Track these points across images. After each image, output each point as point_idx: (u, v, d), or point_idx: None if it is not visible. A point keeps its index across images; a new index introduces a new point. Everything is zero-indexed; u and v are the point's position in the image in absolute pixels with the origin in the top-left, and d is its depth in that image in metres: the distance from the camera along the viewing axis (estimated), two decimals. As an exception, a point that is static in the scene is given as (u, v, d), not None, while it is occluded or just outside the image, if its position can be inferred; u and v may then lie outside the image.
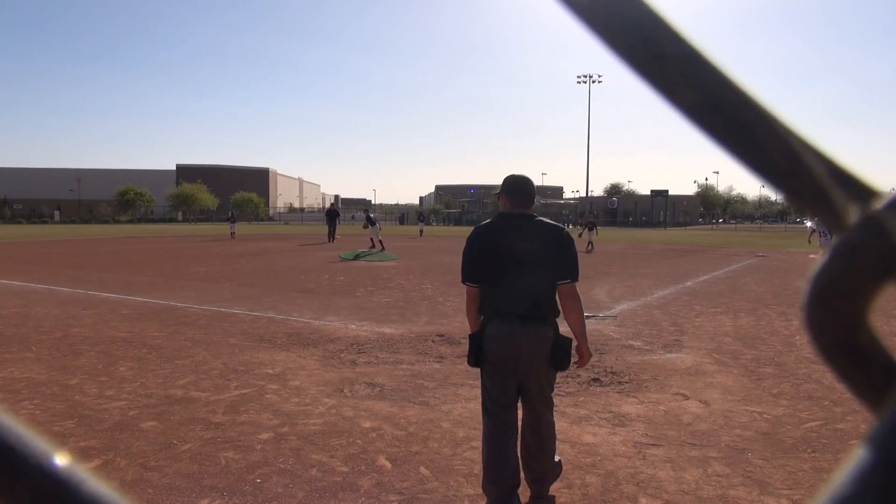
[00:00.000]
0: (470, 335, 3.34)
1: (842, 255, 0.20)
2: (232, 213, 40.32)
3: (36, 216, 75.31)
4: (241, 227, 48.84)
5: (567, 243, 3.25)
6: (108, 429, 4.56)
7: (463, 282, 3.38)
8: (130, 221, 74.15)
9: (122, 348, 7.08)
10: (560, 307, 3.25)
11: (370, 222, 24.63)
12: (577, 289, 3.25)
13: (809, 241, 25.37)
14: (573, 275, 3.23)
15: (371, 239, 23.60)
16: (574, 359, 3.31)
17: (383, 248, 22.71)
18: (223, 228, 41.28)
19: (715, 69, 0.22)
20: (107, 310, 9.73)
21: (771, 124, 0.21)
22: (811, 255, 23.92)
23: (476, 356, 3.27)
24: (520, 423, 3.38)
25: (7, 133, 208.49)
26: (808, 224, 29.12)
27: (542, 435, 3.34)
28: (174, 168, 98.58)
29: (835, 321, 0.21)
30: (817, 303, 0.21)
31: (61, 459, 0.21)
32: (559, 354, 3.20)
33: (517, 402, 3.33)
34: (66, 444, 4.27)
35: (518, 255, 3.17)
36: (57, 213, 77.01)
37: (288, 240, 32.12)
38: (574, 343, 3.29)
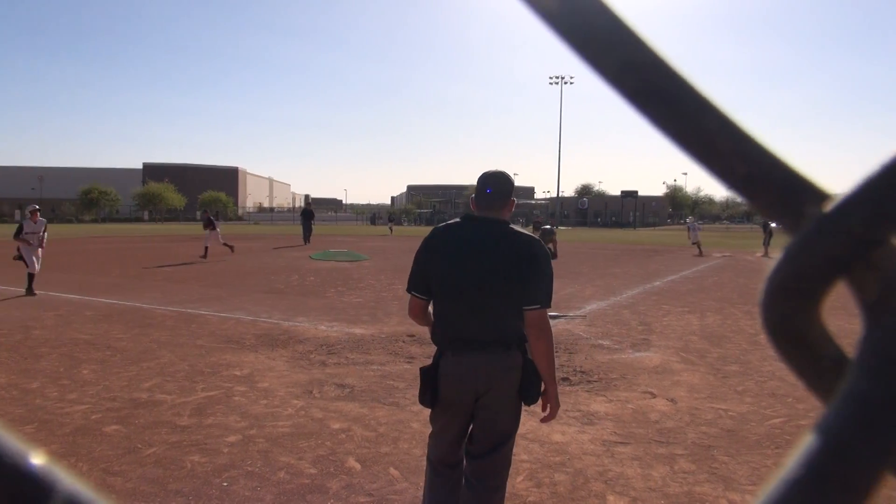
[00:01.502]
0: (421, 369, 2.74)
1: (795, 254, 0.21)
2: (206, 212, 41.20)
3: None
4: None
5: (540, 261, 2.62)
6: (70, 433, 4.46)
7: (408, 290, 2.80)
8: (95, 221, 72.66)
9: (84, 351, 6.93)
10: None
11: (210, 225, 20.36)
12: (548, 317, 2.65)
13: (688, 237, 26.24)
14: (544, 300, 2.60)
15: (205, 246, 19.77)
16: (540, 405, 2.72)
17: (206, 256, 19.25)
18: (195, 228, 40.78)
19: (678, 77, 0.22)
20: (69, 311, 9.52)
21: (732, 131, 0.22)
22: (756, 255, 24.47)
23: (430, 395, 2.68)
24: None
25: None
26: (687, 220, 30.22)
27: None
28: (141, 167, 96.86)
29: (788, 317, 0.21)
30: (772, 300, 0.22)
31: (37, 459, 0.20)
32: (530, 383, 2.63)
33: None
34: (26, 448, 4.16)
35: (478, 270, 2.59)
36: (18, 212, 75.07)
37: (258, 240, 31.81)
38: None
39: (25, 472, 0.20)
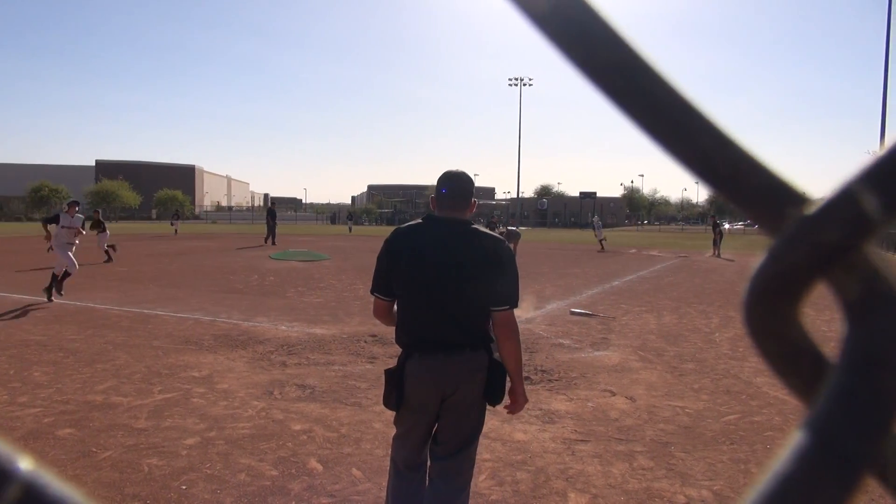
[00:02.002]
0: (386, 371, 2.73)
1: (777, 255, 0.22)
2: (176, 211, 44.39)
3: None
4: (164, 227, 47.20)
5: (506, 261, 2.63)
6: (21, 437, 4.32)
7: (372, 292, 2.76)
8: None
9: (36, 352, 6.72)
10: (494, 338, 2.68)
11: (99, 226, 18.14)
12: (516, 317, 2.66)
13: (595, 235, 28.49)
14: (511, 300, 2.61)
15: (105, 250, 17.76)
16: (506, 401, 2.74)
17: (108, 258, 17.42)
18: (151, 227, 40.24)
19: (662, 79, 0.23)
20: (18, 312, 9.21)
21: (714, 133, 0.23)
22: (706, 255, 25.10)
23: (396, 397, 2.65)
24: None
25: None
26: (593, 220, 32.59)
27: None
28: (93, 164, 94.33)
29: (770, 317, 0.22)
30: (754, 300, 0.23)
31: (25, 463, 0.20)
32: (495, 383, 2.64)
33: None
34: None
35: (443, 270, 2.57)
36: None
37: (216, 239, 31.27)
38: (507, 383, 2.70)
39: (13, 478, 0.20)
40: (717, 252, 25.03)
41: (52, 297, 10.02)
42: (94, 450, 4.13)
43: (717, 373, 6.41)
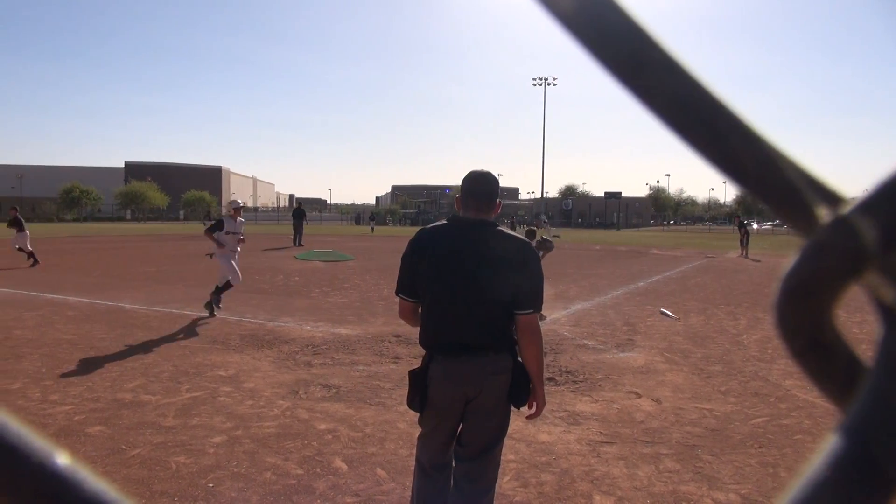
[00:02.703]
0: (410, 373, 2.72)
1: (811, 256, 0.21)
2: (208, 212, 43.90)
3: None
4: (193, 227, 47.92)
5: (531, 264, 2.60)
6: (53, 434, 4.41)
7: (397, 293, 2.77)
8: (76, 220, 71.86)
9: (67, 351, 6.86)
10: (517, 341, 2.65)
11: (17, 224, 17.04)
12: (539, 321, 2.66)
13: (546, 232, 28.31)
14: (535, 304, 2.60)
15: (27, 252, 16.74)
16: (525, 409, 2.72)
17: (34, 261, 16.40)
18: (181, 227, 40.68)
19: (690, 76, 0.22)
20: (51, 311, 9.40)
21: (744, 131, 0.22)
22: (733, 255, 24.72)
23: (420, 399, 2.66)
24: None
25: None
26: (541, 217, 32.71)
27: None
28: (122, 165, 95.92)
29: (803, 319, 0.22)
30: (787, 302, 0.22)
31: (62, 459, 0.20)
32: (519, 385, 2.62)
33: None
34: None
35: (467, 272, 2.55)
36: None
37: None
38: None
39: (51, 473, 0.20)
40: (744, 252, 24.67)
41: (215, 311, 9.13)
42: (124, 447, 4.20)
43: (745, 375, 6.32)
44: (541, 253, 9.55)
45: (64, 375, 5.90)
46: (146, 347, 7.07)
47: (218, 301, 9.23)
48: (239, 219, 9.62)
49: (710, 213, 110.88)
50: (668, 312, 9.96)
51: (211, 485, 3.67)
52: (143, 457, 4.04)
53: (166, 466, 3.90)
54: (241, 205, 9.85)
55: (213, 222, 9.60)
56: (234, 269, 9.41)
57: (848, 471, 0.18)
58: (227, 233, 9.33)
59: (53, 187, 78.82)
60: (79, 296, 10.99)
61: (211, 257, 9.58)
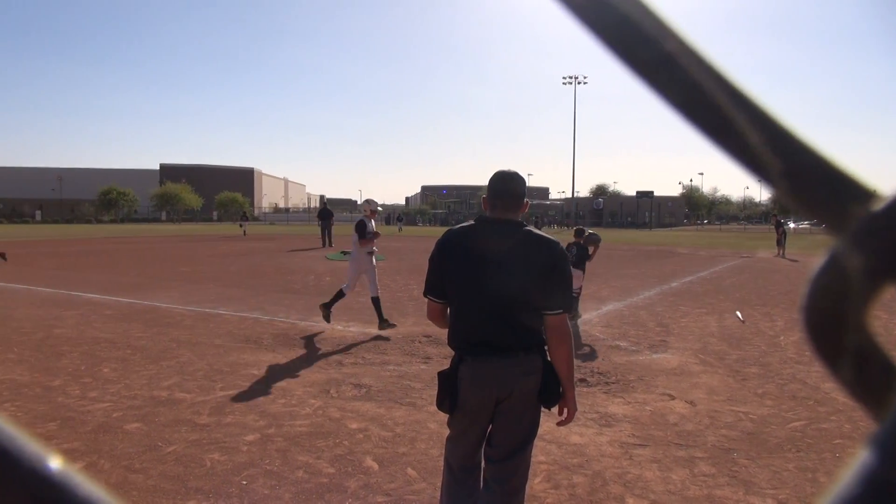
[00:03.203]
0: (440, 374, 2.70)
1: (841, 256, 0.20)
2: (244, 213, 45.74)
3: (17, 216, 74.54)
4: (226, 228, 48.70)
5: (560, 264, 2.58)
6: (92, 430, 4.51)
7: (425, 294, 2.77)
8: (113, 221, 73.54)
9: (105, 349, 7.01)
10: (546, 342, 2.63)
11: None
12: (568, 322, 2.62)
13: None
14: (565, 304, 2.58)
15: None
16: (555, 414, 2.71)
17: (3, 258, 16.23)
18: (216, 228, 41.51)
19: (710, 68, 0.22)
20: (89, 310, 9.63)
21: (767, 124, 0.21)
22: (770, 255, 24.17)
23: (449, 401, 2.64)
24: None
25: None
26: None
27: None
28: (157, 167, 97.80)
29: (833, 323, 0.21)
30: (816, 304, 0.21)
31: (55, 463, 0.20)
32: (550, 386, 2.60)
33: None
34: (48, 446, 4.21)
35: (495, 272, 2.53)
36: (38, 212, 76.28)
37: (274, 240, 31.97)
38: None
39: (44, 477, 0.20)
40: (781, 252, 24.16)
41: (330, 318, 8.56)
42: (160, 444, 4.27)
43: (782, 377, 6.19)
44: (590, 249, 9.49)
45: (102, 373, 6.03)
46: (181, 346, 7.20)
47: (334, 304, 8.60)
48: (372, 220, 8.97)
49: (745, 213, 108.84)
50: (739, 315, 9.73)
51: (244, 482, 3.71)
52: (179, 454, 4.11)
53: (201, 463, 3.96)
54: (379, 207, 9.14)
55: (360, 224, 8.74)
56: (356, 277, 8.82)
57: (878, 489, 0.16)
58: (369, 233, 8.72)
59: (92, 189, 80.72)
60: (116, 295, 11.24)
61: (345, 254, 8.76)
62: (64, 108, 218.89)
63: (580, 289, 9.29)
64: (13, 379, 5.80)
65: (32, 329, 8.14)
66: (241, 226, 40.99)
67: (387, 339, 7.76)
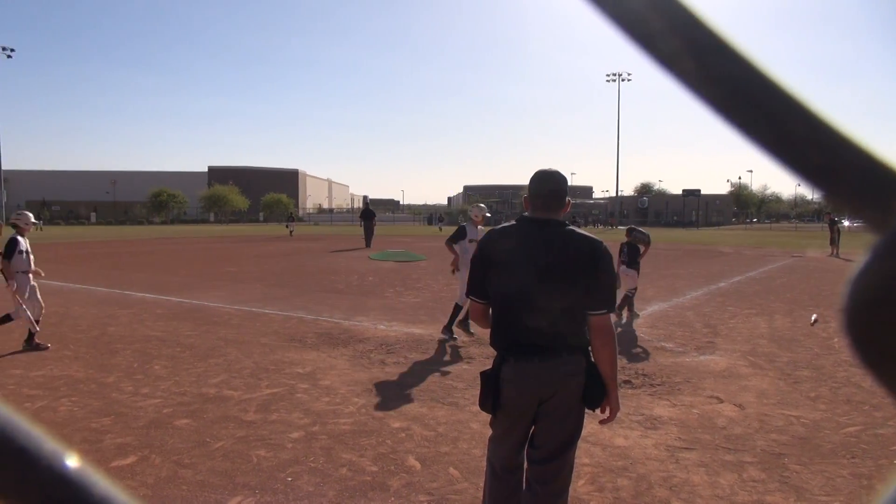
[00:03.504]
0: (482, 374, 2.68)
1: (884, 255, 0.19)
2: (291, 214, 46.20)
3: (73, 217, 77.24)
4: (271, 228, 49.65)
5: (604, 263, 2.55)
6: (144, 426, 4.65)
7: (467, 295, 2.77)
8: (164, 222, 75.56)
9: (156, 347, 7.22)
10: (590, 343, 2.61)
11: None
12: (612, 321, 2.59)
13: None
14: (609, 304, 2.56)
15: None
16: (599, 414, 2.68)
17: None
18: (263, 228, 42.22)
19: (741, 59, 0.21)
20: (142, 309, 9.92)
21: (804, 117, 0.21)
22: (824, 254, 23.36)
23: (492, 401, 2.63)
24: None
25: (45, 137, 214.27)
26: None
27: None
28: (206, 170, 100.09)
29: (876, 325, 0.20)
30: (857, 306, 0.20)
31: (72, 461, 0.20)
32: (594, 387, 2.57)
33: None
34: (102, 440, 4.36)
35: (538, 273, 2.51)
36: (93, 214, 78.88)
37: (318, 240, 32.40)
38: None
39: (60, 475, 0.21)
40: (835, 251, 23.39)
41: (455, 334, 7.84)
42: (208, 440, 4.38)
43: (836, 381, 5.99)
44: (641, 248, 9.40)
45: (154, 370, 6.21)
46: (228, 344, 7.36)
47: (456, 324, 7.89)
48: (480, 227, 8.13)
49: (797, 211, 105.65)
50: (815, 318, 9.41)
51: (289, 478, 3.77)
52: (226, 449, 4.20)
53: (248, 459, 4.05)
54: (486, 212, 8.39)
55: (457, 232, 8.04)
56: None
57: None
58: (471, 241, 7.75)
59: (143, 191, 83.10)
60: (167, 294, 11.55)
61: (454, 272, 8.06)
62: (117, 113, 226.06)
63: (635, 289, 9.27)
64: (70, 375, 6.02)
65: (88, 327, 8.44)
66: (287, 226, 41.34)
67: (430, 339, 7.78)
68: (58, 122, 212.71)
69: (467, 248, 7.67)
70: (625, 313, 9.03)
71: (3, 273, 7.14)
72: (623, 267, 9.12)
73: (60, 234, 40.86)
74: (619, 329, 8.26)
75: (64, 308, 10.01)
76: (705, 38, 0.20)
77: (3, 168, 68.87)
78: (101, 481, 0.20)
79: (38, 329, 7.15)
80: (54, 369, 6.25)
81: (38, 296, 7.32)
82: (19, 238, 7.19)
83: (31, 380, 5.88)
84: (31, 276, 7.24)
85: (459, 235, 7.91)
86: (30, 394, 5.44)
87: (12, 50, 65.81)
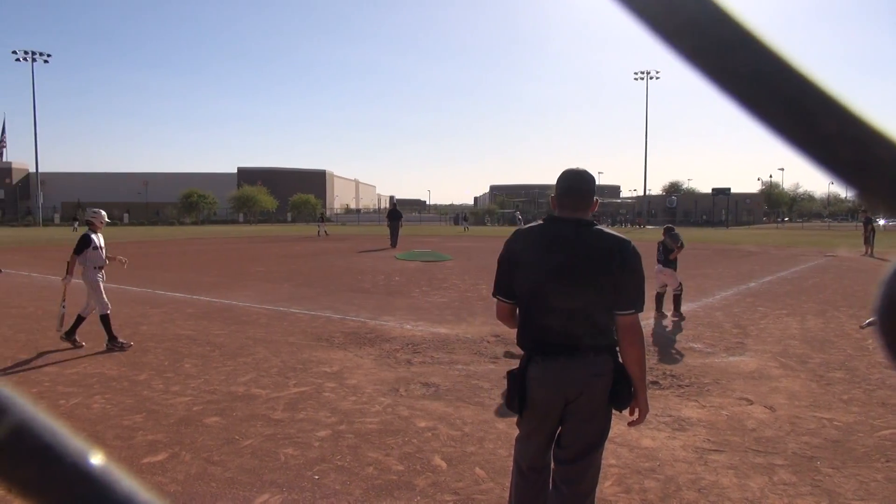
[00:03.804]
0: (509, 374, 2.68)
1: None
2: (322, 215, 45.97)
3: (107, 218, 78.67)
4: (299, 228, 50.13)
5: (632, 263, 2.53)
6: (174, 423, 4.72)
7: (494, 294, 2.75)
8: (194, 223, 76.59)
9: (187, 346, 7.33)
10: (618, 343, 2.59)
11: None
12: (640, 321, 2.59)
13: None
14: (637, 304, 2.54)
15: None
16: (626, 414, 2.67)
17: None
18: (294, 229, 42.51)
19: (770, 53, 0.20)
20: (173, 308, 10.08)
21: (835, 111, 0.20)
22: (858, 253, 22.82)
23: (518, 400, 2.62)
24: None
25: (79, 140, 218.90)
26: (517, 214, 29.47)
27: None
28: (235, 171, 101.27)
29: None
30: (891, 307, 0.20)
31: (96, 459, 0.21)
32: (621, 388, 2.56)
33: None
34: (134, 437, 4.44)
35: (565, 272, 2.50)
36: (126, 215, 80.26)
37: (345, 240, 32.60)
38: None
39: (85, 473, 0.21)
40: (869, 251, 22.86)
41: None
42: (237, 437, 4.43)
43: (870, 383, 5.85)
44: (679, 243, 9.44)
45: (184, 368, 6.31)
46: (257, 343, 7.44)
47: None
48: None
49: (830, 210, 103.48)
50: (868, 322, 9.24)
51: (317, 477, 3.81)
52: (255, 447, 4.25)
53: (275, 457, 4.09)
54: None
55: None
56: None
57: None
58: None
59: (174, 193, 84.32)
60: (197, 294, 11.72)
61: None
62: (149, 116, 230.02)
63: (680, 286, 9.41)
64: (103, 373, 6.15)
65: (121, 326, 8.58)
66: (318, 226, 40.92)
67: (456, 338, 7.78)
68: (92, 126, 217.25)
69: None
70: (667, 313, 9.15)
71: (67, 265, 7.25)
72: (659, 266, 9.21)
73: (94, 235, 41.54)
74: (665, 328, 8.18)
75: (97, 307, 10.22)
76: (731, 32, 0.20)
77: (40, 170, 70.54)
78: (124, 479, 0.20)
79: (61, 328, 7.23)
80: (88, 367, 6.38)
81: (104, 295, 7.40)
82: (92, 235, 7.35)
83: (66, 377, 6.01)
84: (103, 272, 7.38)
85: None
86: (64, 391, 5.57)
87: (49, 55, 67.46)
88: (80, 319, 7.31)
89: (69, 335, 7.24)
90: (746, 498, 3.56)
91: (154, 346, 7.35)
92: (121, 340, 7.24)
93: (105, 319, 7.20)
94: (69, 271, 7.22)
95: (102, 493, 0.19)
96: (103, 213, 7.74)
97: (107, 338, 7.18)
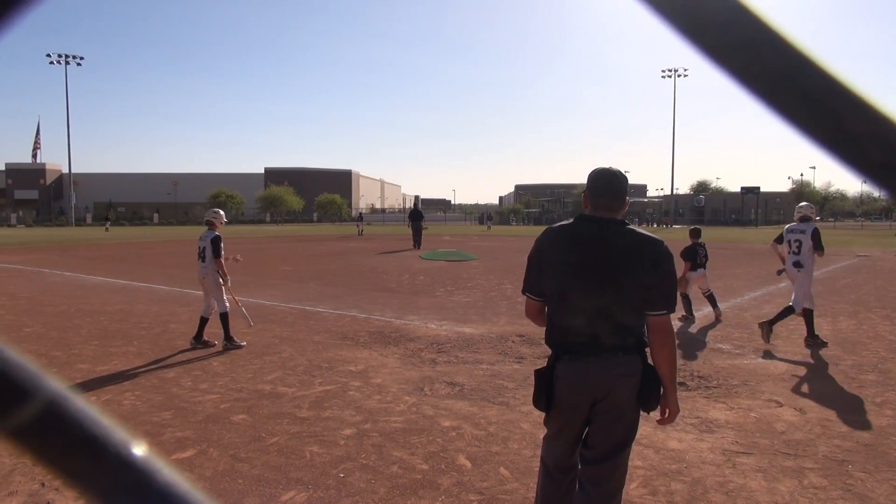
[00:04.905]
0: (536, 372, 2.69)
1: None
2: (360, 214, 46.51)
3: (137, 218, 80.00)
4: (326, 228, 50.48)
5: (664, 263, 2.51)
6: (202, 420, 4.79)
7: (523, 292, 2.77)
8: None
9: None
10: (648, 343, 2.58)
11: None
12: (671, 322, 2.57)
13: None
14: (668, 304, 2.52)
15: None
16: (656, 414, 2.66)
17: None
18: (321, 229, 42.79)
19: (797, 52, 0.20)
20: (201, 307, 10.19)
21: (864, 112, 0.20)
22: (893, 253, 22.29)
23: (545, 399, 2.62)
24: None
25: (111, 141, 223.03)
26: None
27: None
28: (262, 171, 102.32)
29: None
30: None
31: (139, 449, 0.21)
32: (649, 389, 2.54)
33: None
34: (163, 434, 4.51)
35: (595, 272, 2.49)
36: (156, 215, 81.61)
37: (371, 240, 32.76)
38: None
39: (128, 462, 0.21)
40: (904, 251, 22.35)
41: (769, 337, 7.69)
42: (264, 435, 4.48)
43: (904, 386, 5.72)
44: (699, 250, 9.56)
45: (212, 366, 6.39)
46: (283, 342, 7.51)
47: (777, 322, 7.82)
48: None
49: (863, 209, 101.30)
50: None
51: (342, 475, 3.83)
52: (281, 445, 4.30)
53: (301, 455, 4.12)
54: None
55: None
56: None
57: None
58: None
59: (203, 193, 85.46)
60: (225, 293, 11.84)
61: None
62: (179, 118, 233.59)
63: (709, 289, 9.55)
64: (133, 370, 6.26)
65: (151, 324, 8.74)
66: (357, 225, 41.53)
67: (481, 338, 7.78)
68: (123, 127, 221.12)
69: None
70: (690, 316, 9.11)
71: (219, 272, 7.39)
72: (700, 270, 9.33)
73: (125, 235, 42.42)
74: (693, 329, 8.07)
75: (128, 305, 10.40)
76: (758, 30, 0.20)
77: (73, 171, 72.02)
78: (164, 468, 0.21)
79: (251, 324, 7.65)
80: (119, 364, 6.50)
81: (224, 294, 7.50)
82: (219, 234, 7.49)
83: (97, 374, 6.13)
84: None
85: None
86: (96, 388, 5.67)
87: (81, 58, 68.85)
88: (203, 321, 7.43)
89: (198, 339, 7.35)
90: (775, 502, 3.50)
91: (183, 344, 7.47)
92: (237, 340, 7.34)
93: (224, 318, 7.30)
94: (223, 274, 7.36)
95: (144, 480, 0.20)
96: (222, 212, 7.90)
97: (223, 336, 7.28)
